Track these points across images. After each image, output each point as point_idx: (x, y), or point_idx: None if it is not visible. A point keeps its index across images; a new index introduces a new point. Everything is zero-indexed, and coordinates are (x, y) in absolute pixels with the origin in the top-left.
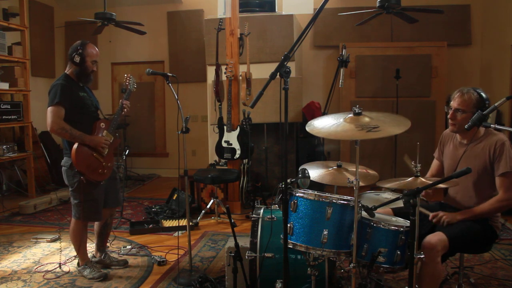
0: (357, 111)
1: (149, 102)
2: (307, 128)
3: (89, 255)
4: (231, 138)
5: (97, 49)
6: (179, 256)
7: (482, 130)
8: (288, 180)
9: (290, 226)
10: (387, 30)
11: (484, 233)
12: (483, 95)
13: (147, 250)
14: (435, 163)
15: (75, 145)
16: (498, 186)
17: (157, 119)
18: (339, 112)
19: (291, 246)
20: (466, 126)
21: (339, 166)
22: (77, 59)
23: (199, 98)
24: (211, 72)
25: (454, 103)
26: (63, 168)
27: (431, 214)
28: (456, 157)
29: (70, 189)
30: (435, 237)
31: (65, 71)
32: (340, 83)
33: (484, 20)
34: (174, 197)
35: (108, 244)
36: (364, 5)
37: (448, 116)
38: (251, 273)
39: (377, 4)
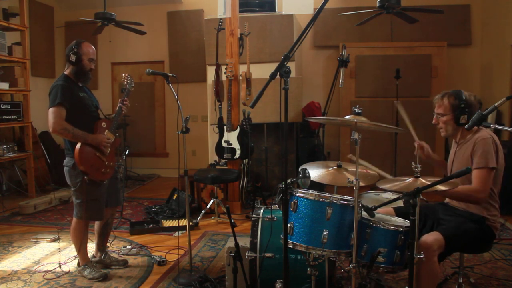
0: (357, 111)
1: (149, 102)
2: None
3: (89, 255)
4: (231, 138)
5: (93, 47)
6: (179, 256)
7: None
8: (288, 180)
9: (290, 226)
10: (387, 30)
11: (481, 233)
12: (462, 96)
13: (147, 250)
14: None
15: (78, 145)
16: (472, 178)
17: (157, 119)
18: (339, 113)
19: (291, 246)
20: (466, 126)
21: (339, 166)
22: (73, 58)
23: (199, 98)
24: (211, 72)
25: (435, 109)
26: (66, 168)
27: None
28: (451, 157)
29: (72, 188)
30: (431, 237)
31: (64, 72)
32: (340, 83)
33: (484, 20)
34: (174, 197)
35: (108, 244)
36: (364, 5)
37: (433, 122)
38: (251, 273)
39: (377, 4)
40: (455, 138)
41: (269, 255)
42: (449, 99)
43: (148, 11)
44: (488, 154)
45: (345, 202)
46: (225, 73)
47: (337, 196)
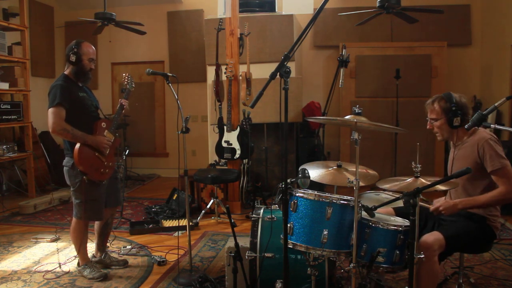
0: (357, 111)
1: (149, 102)
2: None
3: (89, 255)
4: (231, 138)
5: (93, 47)
6: (179, 256)
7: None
8: (288, 180)
9: (290, 226)
10: (387, 30)
11: (482, 233)
12: (452, 98)
13: (147, 250)
14: None
15: (77, 145)
16: (495, 181)
17: (157, 119)
18: (339, 113)
19: (291, 246)
20: (466, 126)
21: (339, 166)
22: (73, 58)
23: (199, 98)
24: (211, 72)
25: (428, 114)
26: (65, 168)
27: (431, 208)
28: (451, 159)
29: (71, 189)
30: (432, 237)
31: (64, 72)
32: (340, 83)
33: (484, 20)
34: (174, 197)
35: (108, 244)
36: (364, 5)
37: (427, 127)
38: (251, 273)
39: (377, 4)
40: (452, 140)
41: (269, 255)
42: (439, 103)
43: (148, 11)
44: (497, 153)
45: (345, 202)
46: (225, 73)
47: (337, 196)
